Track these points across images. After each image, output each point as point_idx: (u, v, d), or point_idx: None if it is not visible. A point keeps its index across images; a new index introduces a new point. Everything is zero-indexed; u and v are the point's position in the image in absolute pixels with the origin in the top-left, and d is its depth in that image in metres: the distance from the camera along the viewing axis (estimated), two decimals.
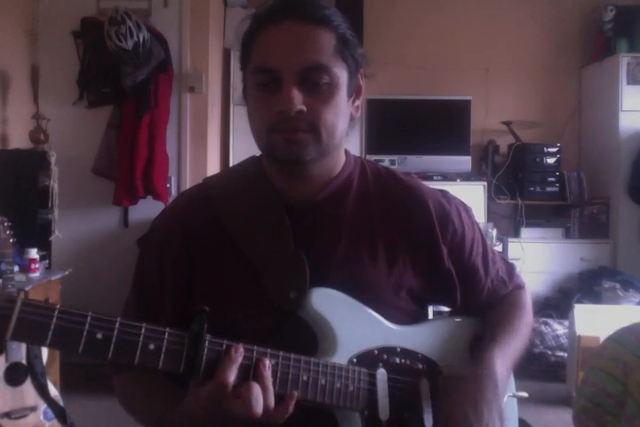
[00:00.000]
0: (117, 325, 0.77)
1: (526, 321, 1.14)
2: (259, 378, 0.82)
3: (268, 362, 0.84)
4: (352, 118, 1.01)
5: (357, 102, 1.03)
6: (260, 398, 0.81)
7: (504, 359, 1.02)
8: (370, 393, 0.94)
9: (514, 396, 1.11)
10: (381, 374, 0.95)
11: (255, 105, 0.96)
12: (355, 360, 0.94)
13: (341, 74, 0.95)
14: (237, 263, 0.99)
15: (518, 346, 1.09)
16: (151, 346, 0.78)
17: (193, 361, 0.80)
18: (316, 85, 0.93)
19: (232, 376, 0.81)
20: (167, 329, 0.80)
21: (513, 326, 1.10)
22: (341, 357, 0.93)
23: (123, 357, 0.77)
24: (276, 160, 0.99)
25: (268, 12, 0.94)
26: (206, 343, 0.81)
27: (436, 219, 1.05)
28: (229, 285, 0.99)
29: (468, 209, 1.12)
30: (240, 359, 0.82)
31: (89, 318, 0.75)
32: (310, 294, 0.94)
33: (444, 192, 1.12)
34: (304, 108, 0.92)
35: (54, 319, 0.73)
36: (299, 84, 0.92)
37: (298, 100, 0.91)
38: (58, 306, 0.75)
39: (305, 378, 0.87)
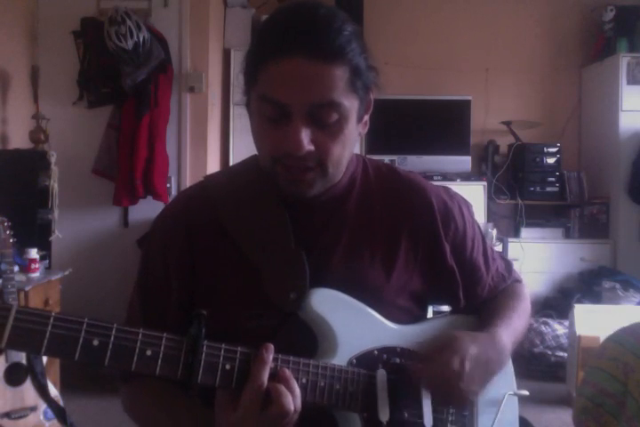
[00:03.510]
0: (114, 331, 0.76)
1: (525, 307, 1.14)
2: (284, 380, 0.83)
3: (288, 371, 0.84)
4: (359, 134, 0.98)
5: (366, 118, 0.98)
6: (291, 400, 0.81)
7: (507, 333, 1.03)
8: (369, 394, 0.93)
9: (515, 394, 1.10)
10: (381, 374, 0.95)
11: (259, 129, 0.93)
12: (354, 361, 0.94)
13: (352, 104, 0.91)
14: (238, 263, 0.98)
15: (519, 326, 1.09)
16: (148, 352, 0.78)
17: (191, 367, 0.79)
18: (326, 123, 0.89)
19: (266, 378, 0.81)
20: (164, 334, 0.79)
21: (514, 309, 1.10)
22: (341, 358, 0.93)
23: (119, 363, 0.76)
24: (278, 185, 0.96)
25: (281, 42, 0.87)
26: (204, 348, 0.81)
27: (438, 216, 1.04)
28: (230, 284, 0.98)
29: (469, 206, 1.13)
30: (271, 358, 0.82)
31: (85, 325, 0.74)
32: (310, 294, 0.94)
33: (446, 188, 1.11)
34: (312, 148, 0.89)
35: (49, 327, 0.72)
36: (307, 120, 0.88)
37: (306, 140, 0.87)
38: (53, 313, 0.73)
39: (304, 381, 0.87)
